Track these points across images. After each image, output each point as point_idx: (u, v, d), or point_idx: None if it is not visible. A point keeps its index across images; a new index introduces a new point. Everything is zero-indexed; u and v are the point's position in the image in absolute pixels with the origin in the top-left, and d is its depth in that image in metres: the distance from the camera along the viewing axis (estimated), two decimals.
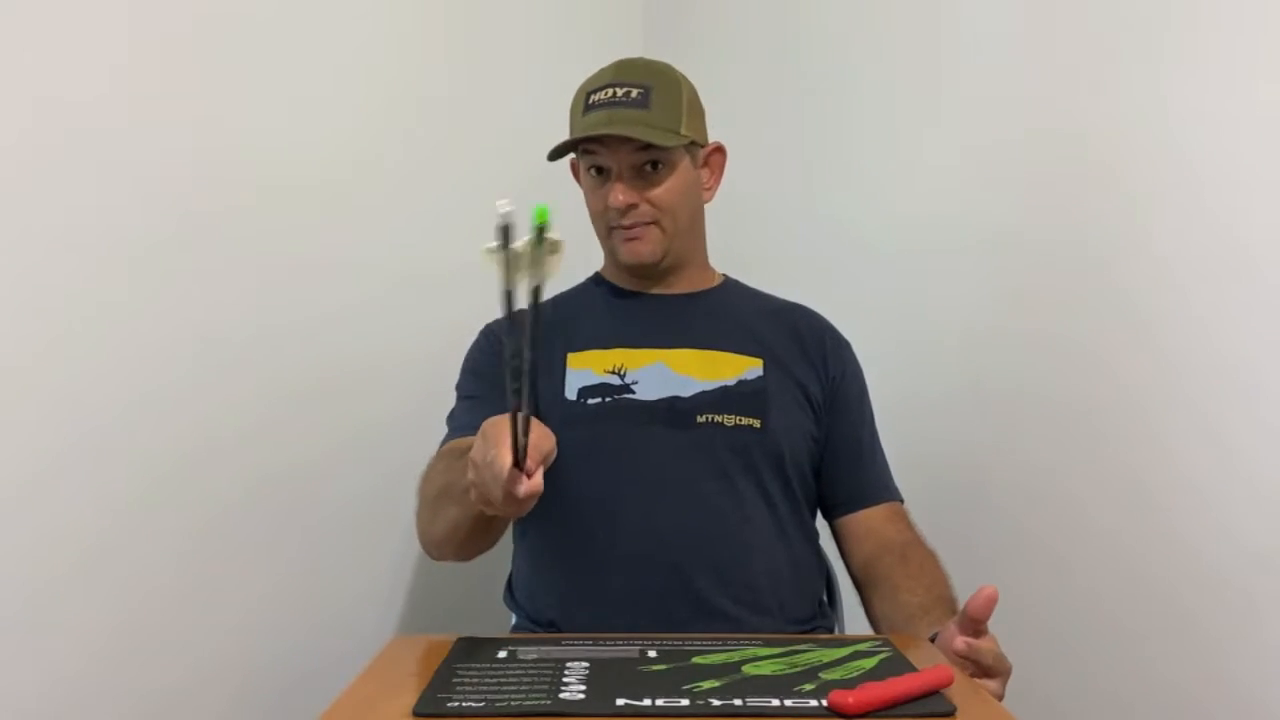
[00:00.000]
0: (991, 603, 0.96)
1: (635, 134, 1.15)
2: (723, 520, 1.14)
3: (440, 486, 1.09)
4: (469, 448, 1.00)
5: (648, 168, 1.18)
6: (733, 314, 1.27)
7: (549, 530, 1.17)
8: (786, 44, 1.71)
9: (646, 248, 1.21)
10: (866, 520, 1.23)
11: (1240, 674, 1.19)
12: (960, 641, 0.96)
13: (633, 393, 1.18)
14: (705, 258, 1.31)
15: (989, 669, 0.96)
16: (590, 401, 1.18)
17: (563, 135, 1.21)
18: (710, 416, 1.17)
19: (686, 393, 1.18)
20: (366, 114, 1.43)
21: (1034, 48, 1.41)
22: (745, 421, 1.17)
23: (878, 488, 1.26)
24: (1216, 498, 1.21)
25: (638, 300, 1.27)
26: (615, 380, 1.19)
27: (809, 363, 1.24)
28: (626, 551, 1.12)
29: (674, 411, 1.17)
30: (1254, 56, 1.18)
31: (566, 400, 1.18)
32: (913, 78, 1.55)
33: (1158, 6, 1.27)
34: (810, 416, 1.22)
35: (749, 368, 1.21)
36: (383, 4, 1.47)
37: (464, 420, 1.20)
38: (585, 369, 1.20)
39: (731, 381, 1.19)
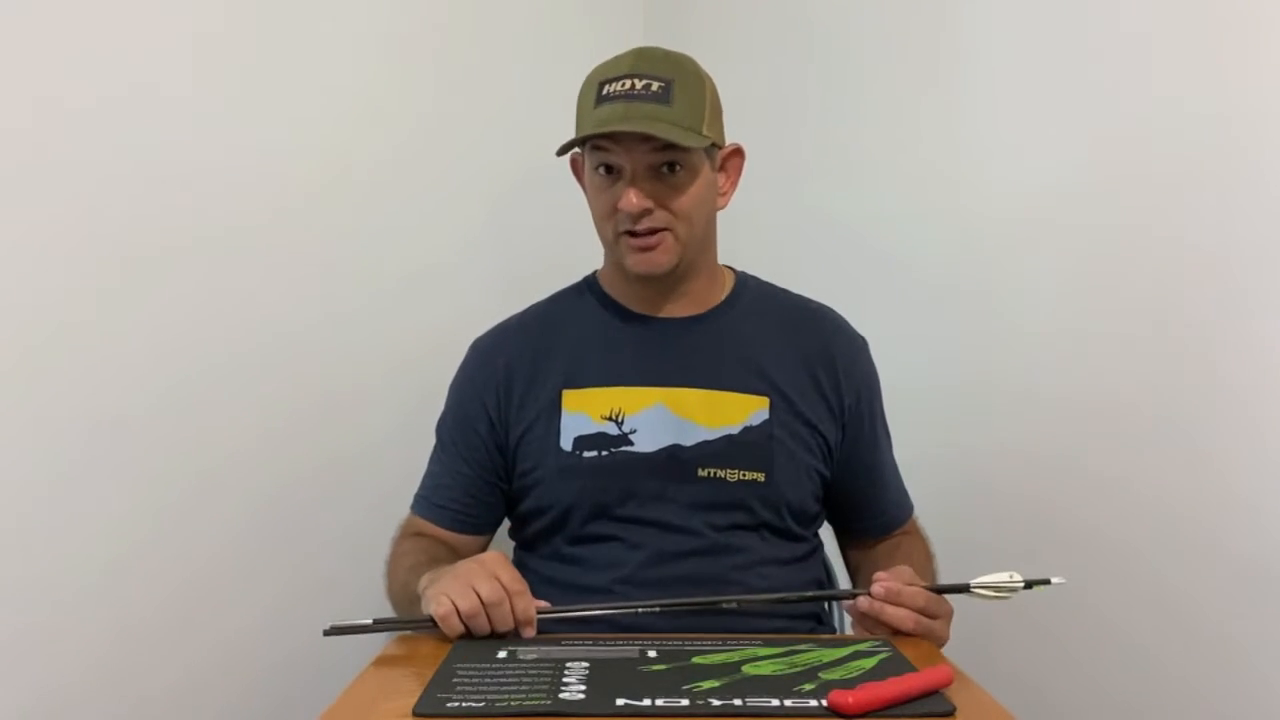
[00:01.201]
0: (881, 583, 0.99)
1: (657, 131, 1.06)
2: (722, 573, 1.11)
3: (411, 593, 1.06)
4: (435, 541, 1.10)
5: (664, 169, 1.09)
6: (740, 340, 1.19)
7: (547, 573, 1.15)
8: (790, 41, 1.69)
9: (661, 258, 1.12)
10: (878, 545, 1.24)
11: (1259, 681, 1.19)
12: (864, 600, 0.99)
13: (631, 444, 1.13)
14: (715, 266, 1.22)
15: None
16: (586, 455, 1.14)
17: (564, 134, 1.12)
18: (712, 471, 1.12)
19: (688, 441, 1.13)
20: (365, 115, 1.42)
21: (1035, 47, 1.41)
22: (749, 476, 1.12)
23: (893, 515, 1.24)
24: (1254, 500, 1.20)
25: (639, 325, 1.19)
26: (613, 429, 1.14)
27: (820, 394, 1.18)
28: (623, 600, 1.08)
29: (674, 463, 1.12)
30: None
31: (562, 450, 1.14)
32: (920, 73, 1.54)
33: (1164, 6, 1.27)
34: (819, 457, 1.17)
35: (755, 411, 1.15)
36: (380, 4, 1.47)
37: (433, 485, 1.20)
38: (581, 413, 1.15)
39: (736, 429, 1.14)
